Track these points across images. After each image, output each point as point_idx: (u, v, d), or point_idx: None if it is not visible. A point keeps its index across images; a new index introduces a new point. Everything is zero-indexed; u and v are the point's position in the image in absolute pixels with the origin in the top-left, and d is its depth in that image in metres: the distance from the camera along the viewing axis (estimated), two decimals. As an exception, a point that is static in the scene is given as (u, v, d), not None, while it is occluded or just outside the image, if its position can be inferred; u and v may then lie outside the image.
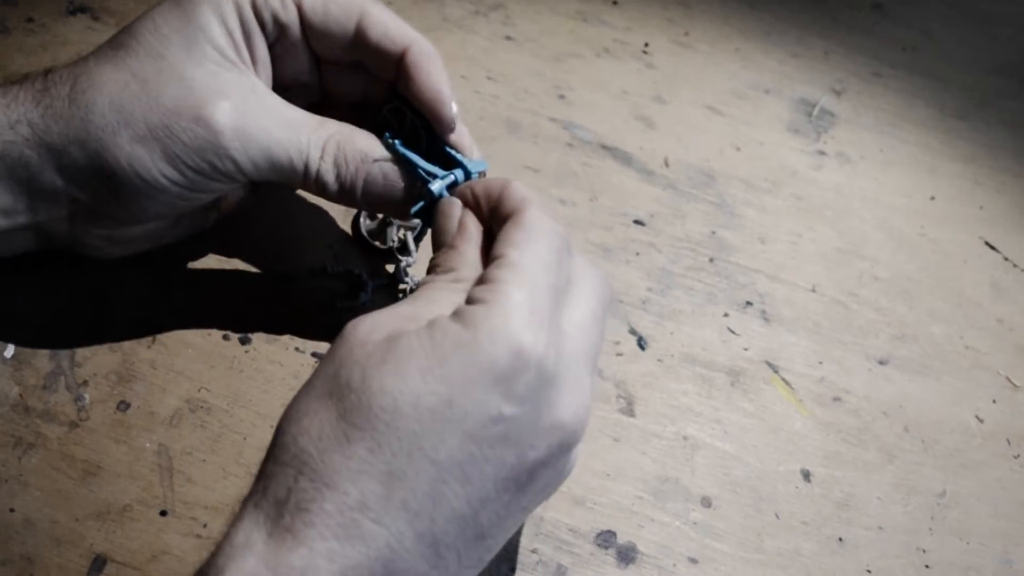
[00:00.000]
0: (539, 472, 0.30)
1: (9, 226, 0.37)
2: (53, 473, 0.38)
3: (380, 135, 0.39)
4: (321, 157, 0.37)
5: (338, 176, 0.38)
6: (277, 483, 0.28)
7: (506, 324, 0.29)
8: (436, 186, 0.38)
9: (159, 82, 0.36)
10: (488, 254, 0.34)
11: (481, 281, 0.31)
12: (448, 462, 0.28)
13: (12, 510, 0.36)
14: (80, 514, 0.37)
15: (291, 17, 0.39)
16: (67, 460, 0.38)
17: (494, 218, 0.35)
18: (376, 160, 0.38)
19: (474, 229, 0.35)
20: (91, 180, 0.36)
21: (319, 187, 0.38)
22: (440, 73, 0.39)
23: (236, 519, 0.29)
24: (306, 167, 0.37)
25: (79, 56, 0.37)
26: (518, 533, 0.40)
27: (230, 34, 0.37)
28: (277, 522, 0.27)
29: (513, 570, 0.39)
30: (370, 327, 0.30)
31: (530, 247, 0.32)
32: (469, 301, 0.31)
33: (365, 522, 0.27)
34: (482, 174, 0.39)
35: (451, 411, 0.28)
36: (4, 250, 0.39)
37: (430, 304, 0.32)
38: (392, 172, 0.38)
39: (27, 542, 0.36)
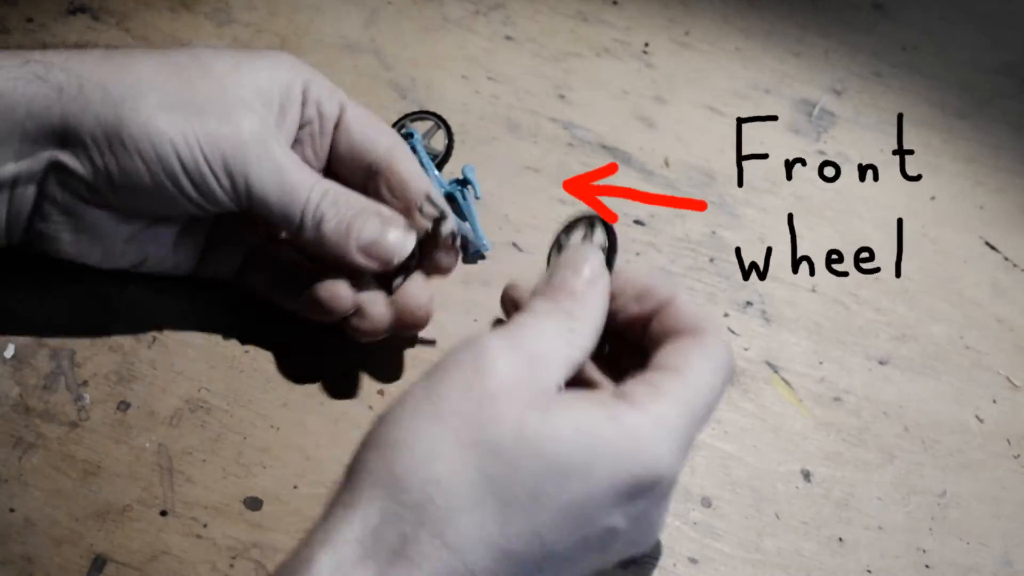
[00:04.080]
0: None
1: None
2: (53, 473, 0.38)
3: None
4: (320, 201, 0.38)
5: (337, 216, 0.38)
6: (391, 525, 0.28)
7: (658, 446, 0.30)
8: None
9: (198, 79, 0.37)
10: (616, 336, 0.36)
11: (645, 382, 0.32)
12: (556, 556, 0.29)
13: (12, 510, 0.36)
14: (80, 514, 0.37)
15: (331, 112, 0.41)
16: (67, 460, 0.38)
17: (653, 322, 0.35)
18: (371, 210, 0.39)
19: (603, 289, 0.35)
20: (95, 127, 0.35)
21: (314, 224, 0.38)
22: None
23: (323, 543, 0.28)
24: (306, 204, 0.38)
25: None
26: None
27: (274, 93, 0.39)
28: (385, 571, 0.27)
29: (513, 570, 0.39)
30: (510, 368, 0.30)
31: (706, 372, 0.32)
32: (626, 396, 0.31)
33: None
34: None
35: (580, 513, 0.29)
36: None
37: (544, 341, 0.32)
38: (389, 224, 0.39)
39: (27, 542, 0.36)
